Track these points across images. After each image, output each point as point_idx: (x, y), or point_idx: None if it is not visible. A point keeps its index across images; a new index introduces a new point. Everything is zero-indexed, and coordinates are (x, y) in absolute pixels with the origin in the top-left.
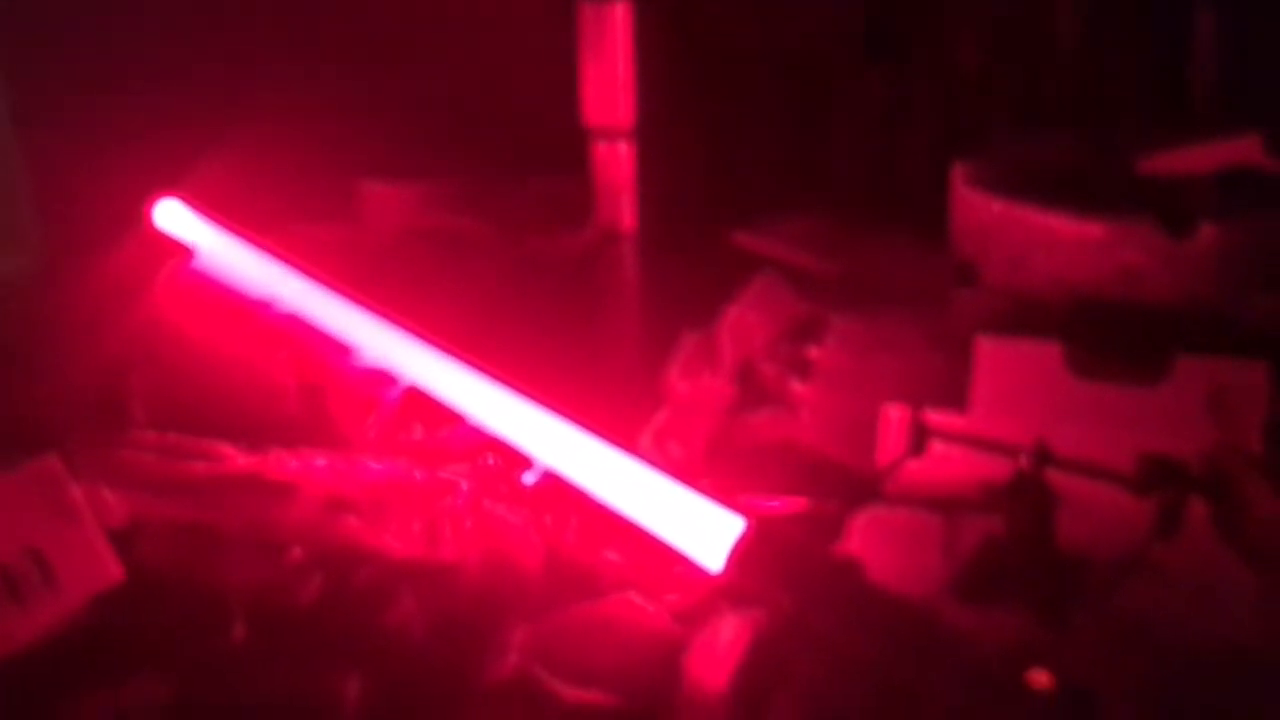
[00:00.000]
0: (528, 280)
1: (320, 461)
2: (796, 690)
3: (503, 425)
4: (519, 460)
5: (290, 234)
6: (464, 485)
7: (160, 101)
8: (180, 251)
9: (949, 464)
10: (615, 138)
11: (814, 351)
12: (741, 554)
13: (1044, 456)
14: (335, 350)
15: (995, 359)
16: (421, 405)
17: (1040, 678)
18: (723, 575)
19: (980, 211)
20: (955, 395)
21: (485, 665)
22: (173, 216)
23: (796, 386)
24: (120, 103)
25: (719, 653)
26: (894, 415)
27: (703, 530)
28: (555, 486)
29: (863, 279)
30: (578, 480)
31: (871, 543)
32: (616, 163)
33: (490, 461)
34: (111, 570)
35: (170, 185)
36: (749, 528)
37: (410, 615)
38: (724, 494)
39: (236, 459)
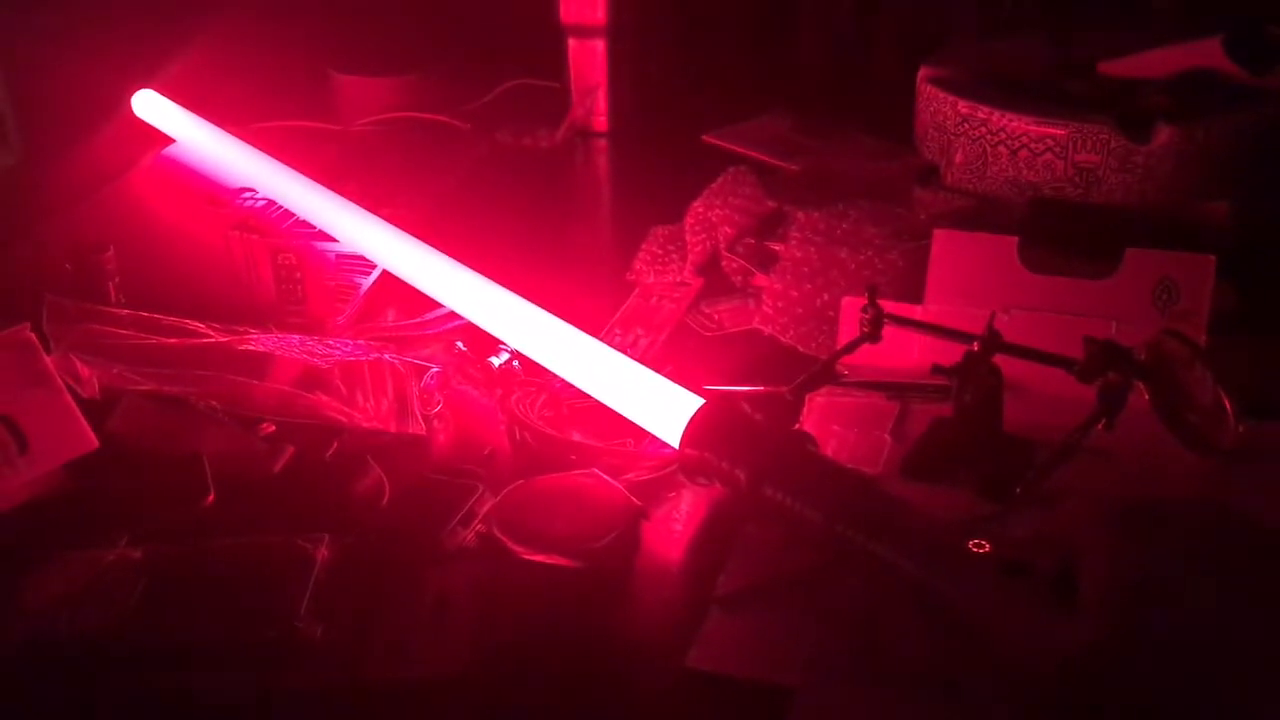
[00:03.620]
0: (500, 175)
1: (294, 340)
2: (746, 557)
3: (473, 310)
4: (488, 346)
5: (264, 126)
6: (434, 368)
7: None
8: (159, 141)
9: (903, 350)
10: (589, 35)
11: (778, 245)
12: (698, 431)
13: (994, 340)
14: (310, 238)
15: (951, 249)
16: (395, 293)
17: (980, 545)
18: (680, 452)
19: (944, 112)
20: (914, 290)
21: (450, 531)
22: (151, 108)
23: (760, 278)
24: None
25: (675, 525)
26: (855, 304)
27: (663, 410)
28: (523, 370)
29: (828, 177)
30: (545, 362)
31: (826, 425)
32: (590, 60)
33: (460, 347)
34: (85, 438)
35: (148, 78)
36: (705, 406)
37: (378, 485)
38: (685, 378)
39: (211, 335)
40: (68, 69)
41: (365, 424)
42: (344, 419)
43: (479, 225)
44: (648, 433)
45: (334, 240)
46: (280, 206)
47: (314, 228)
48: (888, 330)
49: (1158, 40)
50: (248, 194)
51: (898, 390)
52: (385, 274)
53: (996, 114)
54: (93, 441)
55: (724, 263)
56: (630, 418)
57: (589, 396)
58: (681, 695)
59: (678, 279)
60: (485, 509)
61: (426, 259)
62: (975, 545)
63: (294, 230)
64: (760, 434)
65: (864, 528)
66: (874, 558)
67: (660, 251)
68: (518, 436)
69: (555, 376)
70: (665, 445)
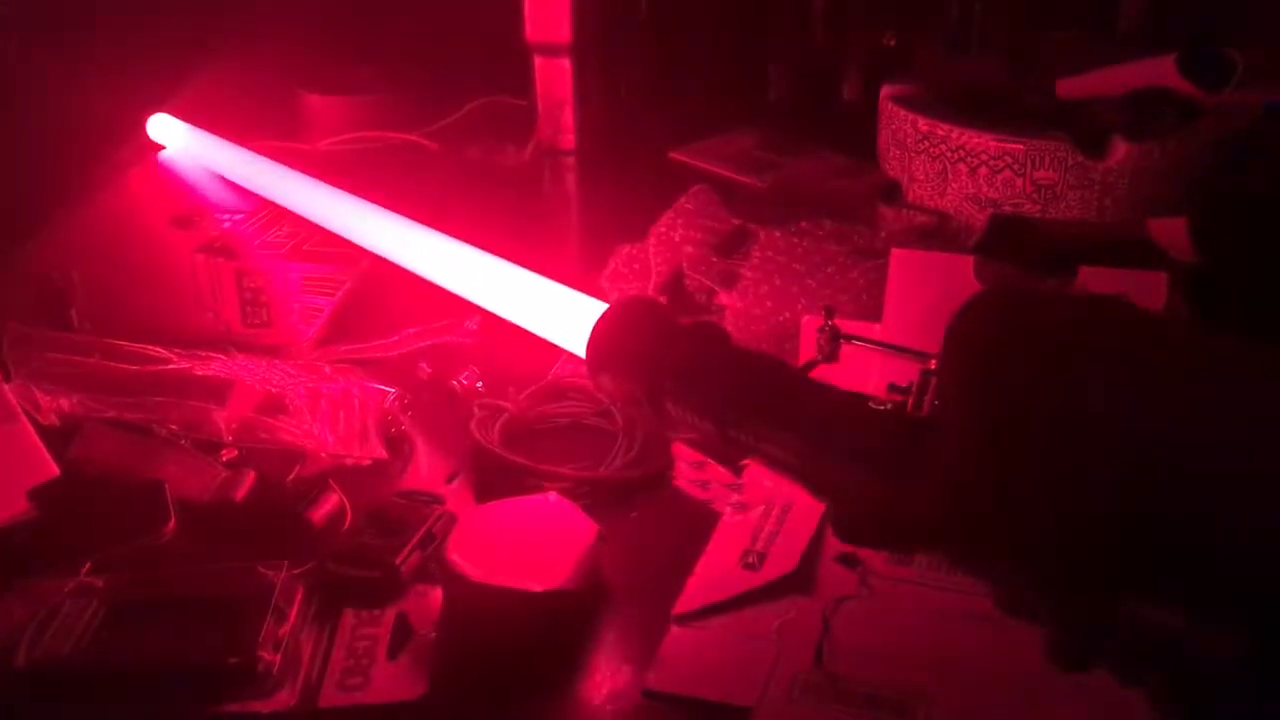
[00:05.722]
0: (468, 192)
1: (255, 365)
2: (704, 577)
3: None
4: (451, 368)
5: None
6: (395, 390)
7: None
8: (131, 164)
9: (862, 369)
10: (556, 53)
11: (740, 264)
12: (601, 344)
13: None
14: (277, 260)
15: (908, 269)
16: (359, 315)
17: (881, 404)
18: (589, 370)
19: (904, 130)
20: (876, 308)
21: (410, 556)
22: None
23: (722, 297)
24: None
25: (634, 547)
26: (814, 324)
27: (573, 322)
28: (485, 391)
29: (792, 195)
30: (453, 287)
31: None
32: (557, 78)
33: (425, 370)
34: (45, 466)
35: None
36: (608, 313)
37: (339, 509)
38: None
39: (173, 361)
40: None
41: (327, 448)
42: (305, 443)
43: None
44: (608, 454)
45: (301, 261)
46: (248, 227)
47: (281, 249)
48: (846, 349)
49: (1118, 58)
50: (216, 215)
51: None
52: (350, 295)
53: (955, 131)
54: (53, 469)
55: (687, 282)
56: (544, 335)
57: (551, 417)
58: (641, 718)
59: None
60: (446, 533)
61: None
62: (875, 403)
63: (261, 253)
64: (670, 337)
65: (751, 428)
66: (768, 459)
67: (625, 270)
68: (479, 459)
69: (517, 397)
70: (627, 468)
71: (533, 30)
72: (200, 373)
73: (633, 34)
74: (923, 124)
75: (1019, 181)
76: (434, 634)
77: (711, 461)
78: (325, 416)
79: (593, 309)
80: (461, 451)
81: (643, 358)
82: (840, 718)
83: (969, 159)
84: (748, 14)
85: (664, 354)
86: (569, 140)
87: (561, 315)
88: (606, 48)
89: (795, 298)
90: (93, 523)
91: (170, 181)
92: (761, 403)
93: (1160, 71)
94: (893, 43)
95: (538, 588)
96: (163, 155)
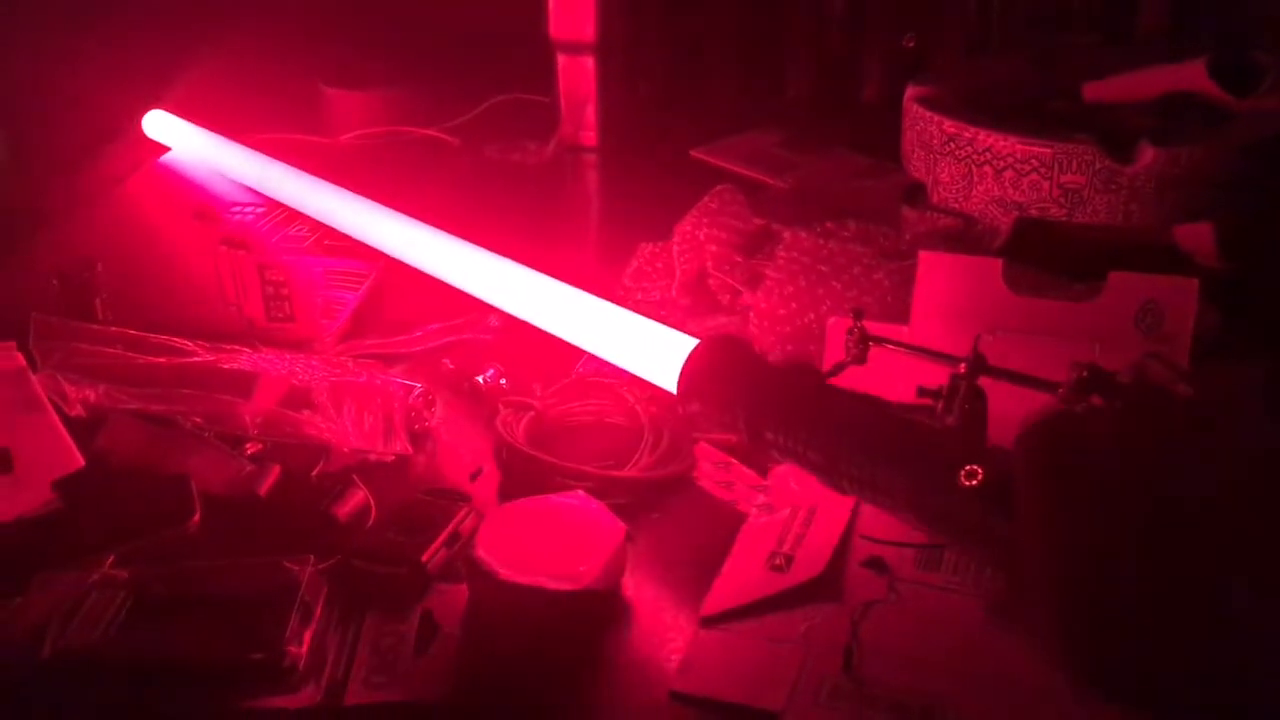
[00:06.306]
0: (488, 189)
1: (279, 359)
2: (731, 578)
3: (476, 283)
4: (475, 364)
5: (253, 139)
6: (419, 386)
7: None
8: (153, 155)
9: (890, 372)
10: (579, 51)
11: (765, 264)
12: (693, 376)
13: (979, 364)
14: (299, 253)
15: (936, 272)
16: (383, 309)
17: (973, 475)
18: (679, 401)
19: (930, 131)
20: (901, 310)
21: (436, 553)
22: (154, 124)
23: (747, 297)
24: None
25: (661, 547)
26: (840, 325)
27: (659, 355)
28: (509, 388)
29: (816, 195)
30: (538, 321)
31: None
32: (580, 75)
33: (448, 365)
34: (71, 458)
35: (149, 95)
36: (699, 348)
37: (364, 505)
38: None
39: (198, 354)
40: (64, 86)
41: (351, 443)
42: (330, 438)
43: (467, 239)
44: (632, 453)
45: (324, 255)
46: (270, 221)
47: (303, 243)
48: (874, 352)
49: (1142, 61)
50: (238, 208)
51: None
52: (373, 290)
53: (982, 134)
54: (78, 460)
55: (711, 281)
56: (627, 367)
57: (576, 415)
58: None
59: (665, 297)
60: (471, 530)
61: (429, 240)
62: (967, 476)
63: (282, 245)
64: (759, 371)
65: (863, 470)
66: (874, 498)
67: (648, 269)
68: (504, 457)
69: (542, 395)
70: (652, 468)
71: (556, 28)
72: (225, 366)
73: (654, 33)
74: (949, 126)
75: (1045, 185)
76: (460, 632)
77: (736, 462)
78: (350, 412)
79: (678, 342)
80: (486, 448)
81: (740, 389)
82: None
83: (995, 161)
84: (767, 13)
85: (762, 388)
86: (591, 137)
87: (645, 348)
88: (629, 46)
89: (820, 299)
90: (117, 515)
91: (192, 173)
92: (874, 446)
93: (1189, 76)
94: (912, 43)
95: (567, 587)
96: (166, 157)
